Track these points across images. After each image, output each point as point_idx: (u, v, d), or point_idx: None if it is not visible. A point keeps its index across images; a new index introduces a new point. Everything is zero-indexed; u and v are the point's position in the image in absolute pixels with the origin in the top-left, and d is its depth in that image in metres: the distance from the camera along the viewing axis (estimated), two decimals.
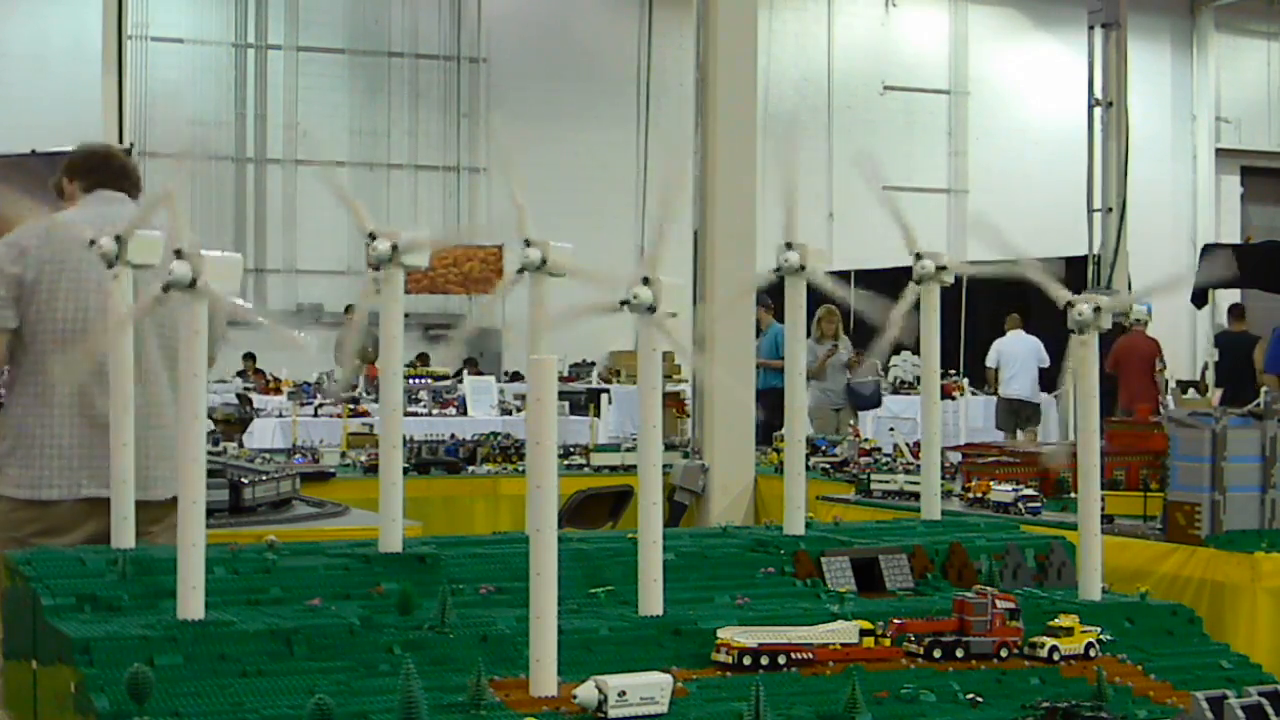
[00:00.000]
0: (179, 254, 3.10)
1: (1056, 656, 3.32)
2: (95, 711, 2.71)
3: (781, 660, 3.14)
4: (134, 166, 5.46)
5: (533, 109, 26.74)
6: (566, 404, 14.40)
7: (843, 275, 23.49)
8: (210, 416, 10.42)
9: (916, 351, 4.39)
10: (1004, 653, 3.30)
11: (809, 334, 15.92)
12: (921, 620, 3.36)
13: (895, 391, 18.59)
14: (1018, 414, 18.03)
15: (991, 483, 6.91)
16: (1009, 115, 30.72)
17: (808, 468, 4.35)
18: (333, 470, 8.78)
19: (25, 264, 5.06)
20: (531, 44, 27.39)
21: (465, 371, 18.94)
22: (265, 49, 26.36)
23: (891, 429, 12.21)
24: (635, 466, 3.33)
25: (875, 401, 16.26)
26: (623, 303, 3.21)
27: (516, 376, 20.74)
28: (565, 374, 21.50)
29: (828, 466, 9.00)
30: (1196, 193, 32.43)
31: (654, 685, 2.82)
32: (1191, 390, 19.23)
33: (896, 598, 3.72)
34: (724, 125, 9.98)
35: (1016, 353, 18.05)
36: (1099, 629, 3.42)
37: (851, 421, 15.16)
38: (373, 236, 3.52)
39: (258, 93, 26.30)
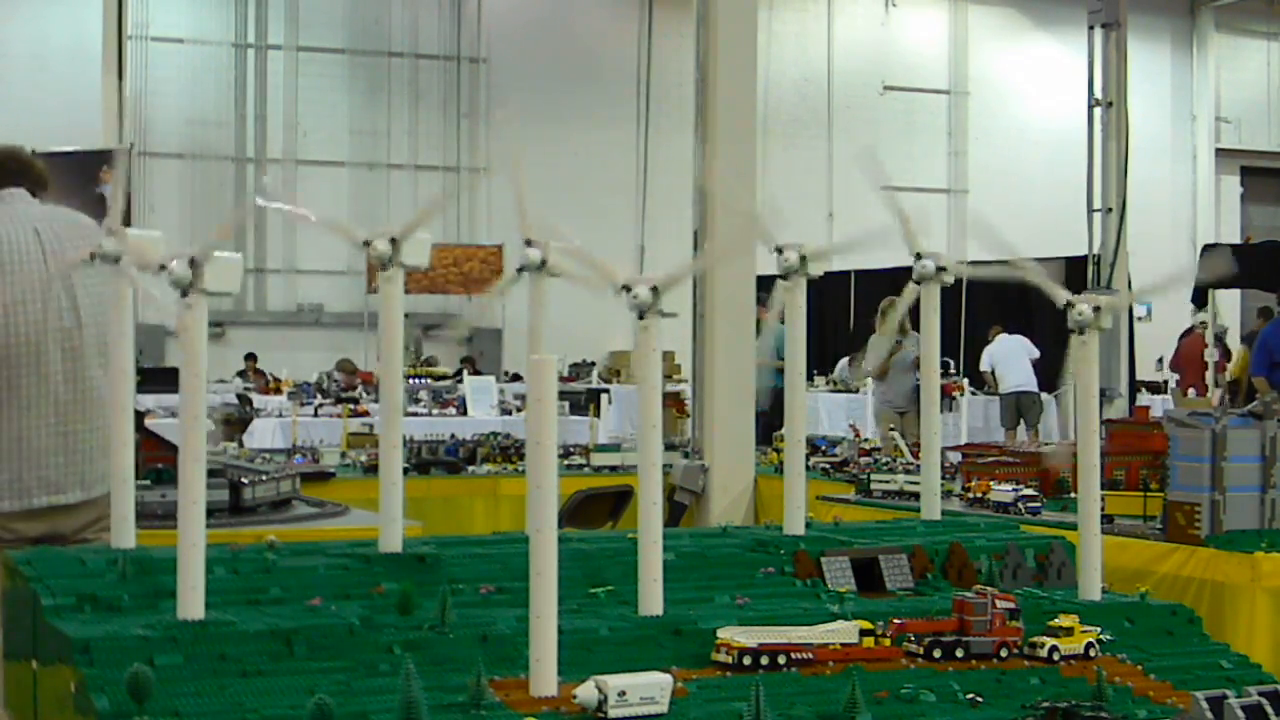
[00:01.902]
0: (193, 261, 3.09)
1: (1056, 656, 3.32)
2: (95, 711, 2.71)
3: (781, 660, 3.14)
4: (36, 165, 5.31)
5: (533, 109, 26.74)
6: (566, 404, 14.40)
7: (842, 275, 23.46)
8: (210, 417, 10.43)
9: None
10: (1004, 653, 3.30)
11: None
12: (921, 620, 3.36)
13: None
14: (1019, 407, 18.11)
15: (991, 483, 6.91)
16: (1009, 115, 30.72)
17: (808, 468, 4.35)
18: (333, 470, 8.78)
19: None
20: (531, 44, 27.38)
21: (465, 371, 18.95)
22: (265, 49, 26.36)
23: (892, 428, 12.20)
24: (635, 466, 3.33)
25: (947, 405, 15.04)
26: (624, 287, 3.20)
27: (516, 377, 20.75)
28: (565, 374, 21.52)
29: (828, 466, 9.00)
30: (1196, 193, 32.45)
31: (654, 685, 2.82)
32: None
33: (896, 598, 3.72)
34: (724, 125, 9.98)
35: (1007, 350, 18.37)
36: (1099, 629, 3.42)
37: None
38: (367, 243, 3.52)
39: (258, 93, 26.30)
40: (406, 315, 3.74)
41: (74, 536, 4.97)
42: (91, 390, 5.01)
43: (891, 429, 11.17)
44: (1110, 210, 16.61)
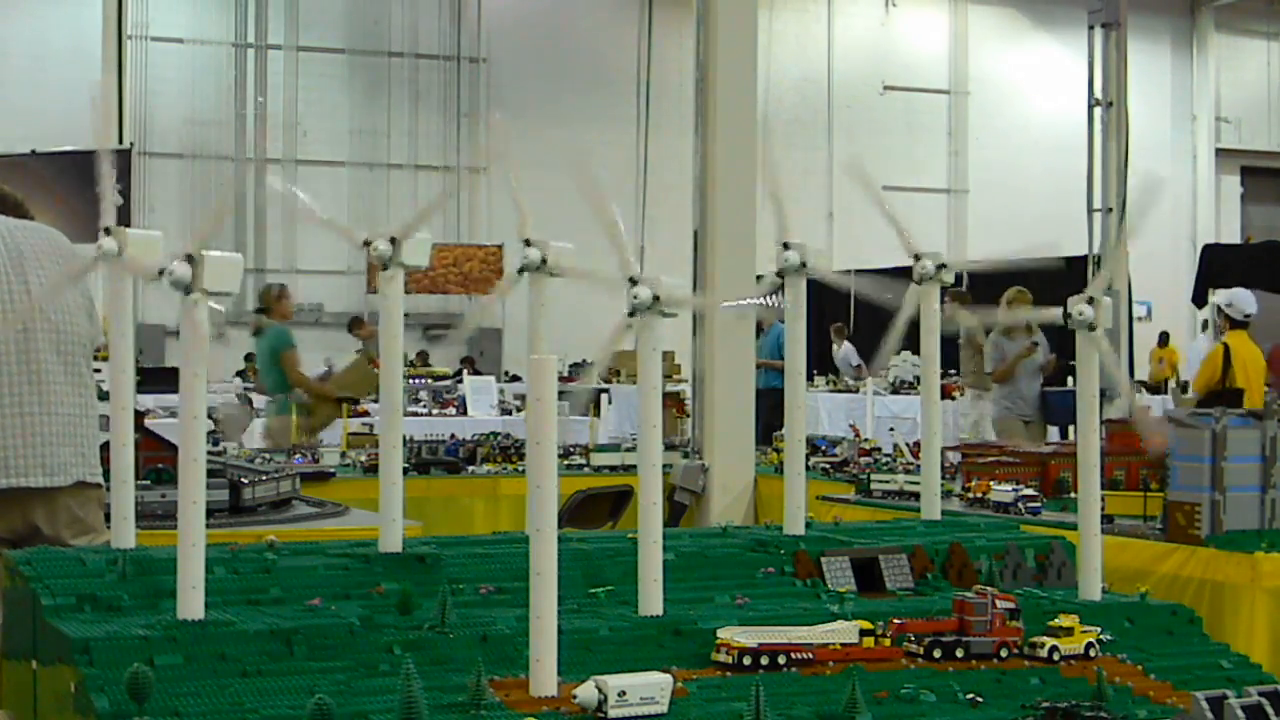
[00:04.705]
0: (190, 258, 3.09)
1: (1056, 656, 3.32)
2: (95, 711, 2.71)
3: (781, 660, 3.14)
4: (9, 194, 5.49)
5: (533, 109, 26.74)
6: (566, 404, 14.39)
7: (842, 275, 23.42)
8: (210, 417, 10.44)
9: (916, 351, 4.40)
10: (1004, 653, 3.30)
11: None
12: (921, 620, 3.36)
13: (895, 391, 18.61)
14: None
15: (991, 483, 6.91)
16: (1009, 115, 30.75)
17: (808, 468, 4.35)
18: (333, 470, 8.78)
19: None
20: (531, 44, 27.39)
21: (465, 371, 18.95)
22: (265, 49, 26.37)
23: (891, 429, 12.18)
24: (635, 466, 3.33)
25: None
26: (631, 313, 3.21)
27: (516, 378, 20.75)
28: (565, 374, 21.52)
29: (828, 466, 8.99)
30: (1196, 193, 32.46)
31: (654, 685, 2.82)
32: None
33: (896, 598, 3.71)
34: (724, 125, 9.98)
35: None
36: (1099, 629, 3.42)
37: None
38: (367, 243, 3.52)
39: (258, 93, 26.30)
40: (407, 315, 3.74)
41: (51, 533, 4.97)
42: (45, 374, 5.03)
43: (891, 429, 11.14)
44: (1110, 210, 16.62)
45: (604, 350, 3.38)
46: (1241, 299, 12.98)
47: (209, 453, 4.30)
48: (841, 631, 3.24)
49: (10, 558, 3.39)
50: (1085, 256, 16.87)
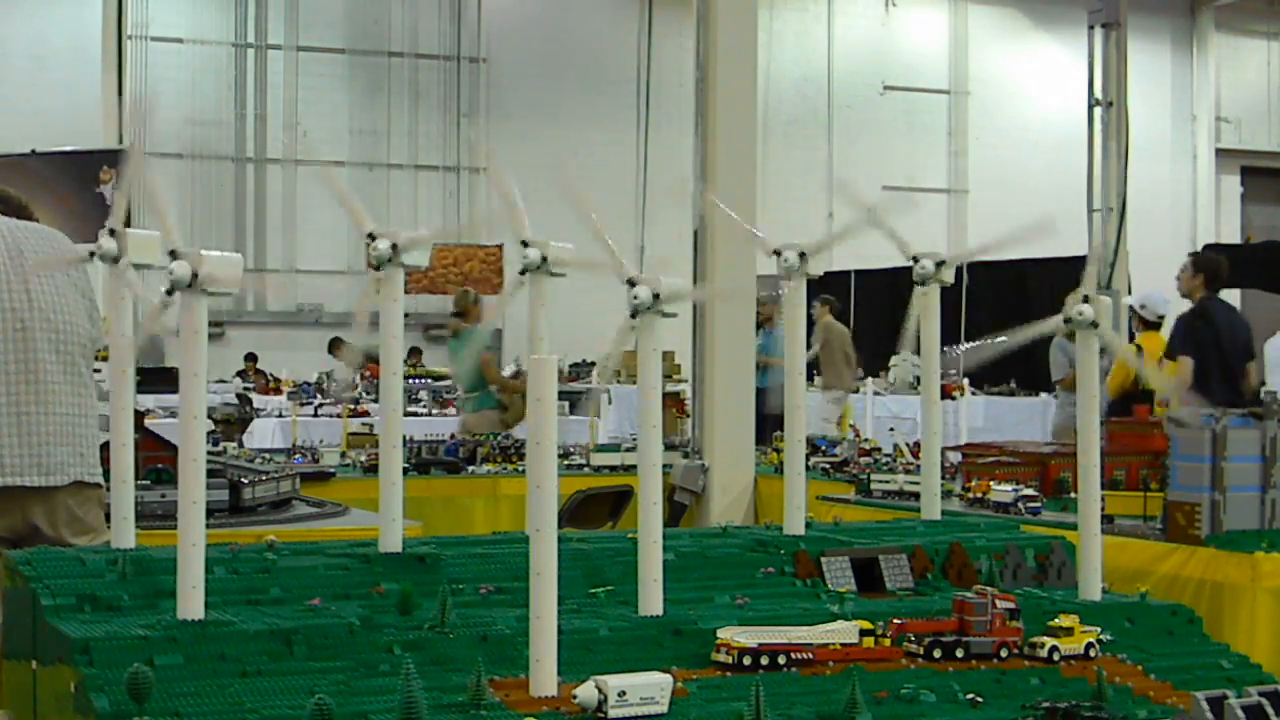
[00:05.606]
0: (174, 254, 3.09)
1: (1056, 656, 3.32)
2: (95, 711, 2.71)
3: (781, 660, 3.14)
4: (14, 197, 5.50)
5: (533, 109, 26.74)
6: (567, 404, 14.40)
7: (842, 275, 23.43)
8: (210, 417, 10.43)
9: (917, 352, 4.40)
10: (1004, 653, 3.30)
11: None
12: (921, 620, 3.36)
13: (895, 392, 18.58)
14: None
15: (991, 483, 6.90)
16: (1009, 115, 30.73)
17: (808, 468, 4.35)
18: (333, 470, 8.78)
19: None
20: (531, 44, 27.38)
21: None
22: (265, 49, 26.36)
23: (891, 429, 12.18)
24: (635, 466, 3.33)
25: None
26: (631, 314, 3.22)
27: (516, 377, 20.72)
28: (565, 374, 21.52)
29: (828, 466, 8.99)
30: (1196, 193, 32.44)
31: (654, 685, 2.82)
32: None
33: (896, 598, 3.72)
34: (724, 125, 9.98)
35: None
36: (1099, 629, 3.42)
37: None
38: (372, 237, 3.52)
39: (258, 93, 26.30)
40: (407, 315, 3.74)
41: (50, 533, 4.97)
42: (44, 373, 5.03)
43: (891, 429, 11.14)
44: (1110, 210, 16.62)
45: (611, 352, 3.39)
46: (1154, 300, 12.84)
47: (209, 453, 4.30)
48: (841, 631, 3.24)
49: (10, 558, 3.39)
50: (1085, 256, 16.89)
